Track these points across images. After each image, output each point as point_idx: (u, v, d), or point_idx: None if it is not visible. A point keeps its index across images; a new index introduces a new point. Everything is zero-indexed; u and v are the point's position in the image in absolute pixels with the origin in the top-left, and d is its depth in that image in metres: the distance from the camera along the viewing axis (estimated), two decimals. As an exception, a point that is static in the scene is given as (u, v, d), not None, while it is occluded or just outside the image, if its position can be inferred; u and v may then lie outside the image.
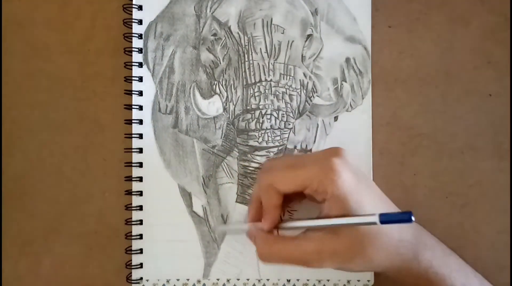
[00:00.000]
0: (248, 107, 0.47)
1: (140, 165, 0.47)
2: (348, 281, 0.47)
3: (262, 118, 0.47)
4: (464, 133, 0.48)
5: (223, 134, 0.48)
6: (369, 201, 0.39)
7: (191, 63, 0.48)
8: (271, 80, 0.47)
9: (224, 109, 0.47)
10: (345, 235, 0.38)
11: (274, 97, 0.47)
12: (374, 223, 0.35)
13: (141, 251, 0.47)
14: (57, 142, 0.48)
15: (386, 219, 0.34)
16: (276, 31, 0.47)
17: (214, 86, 0.47)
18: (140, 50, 0.48)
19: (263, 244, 0.41)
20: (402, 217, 0.34)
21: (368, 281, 0.47)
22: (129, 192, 0.47)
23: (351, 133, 0.48)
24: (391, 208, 0.42)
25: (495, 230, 0.47)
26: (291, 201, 0.45)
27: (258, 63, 0.47)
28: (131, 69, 0.47)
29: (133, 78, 0.47)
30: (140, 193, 0.47)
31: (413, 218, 0.33)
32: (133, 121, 0.47)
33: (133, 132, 0.47)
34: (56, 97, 0.48)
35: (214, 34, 0.47)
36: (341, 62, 0.48)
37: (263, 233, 0.41)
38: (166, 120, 0.48)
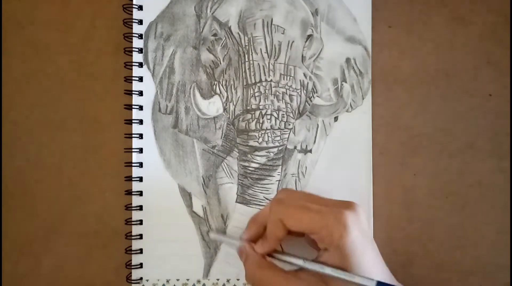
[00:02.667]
0: (248, 107, 0.47)
1: (140, 165, 0.47)
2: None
3: (262, 118, 0.47)
4: (464, 133, 0.48)
5: (223, 134, 0.48)
6: (370, 264, 0.38)
7: (191, 63, 0.48)
8: (271, 80, 0.47)
9: (224, 109, 0.47)
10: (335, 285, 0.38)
11: (274, 98, 0.47)
12: None
13: (141, 251, 0.47)
14: (57, 142, 0.48)
15: None
16: (276, 32, 0.47)
17: (214, 86, 0.47)
18: (140, 50, 0.48)
19: (254, 265, 0.41)
20: None
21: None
22: (129, 192, 0.47)
23: (351, 134, 0.48)
24: (385, 272, 0.41)
25: (495, 230, 0.47)
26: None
27: (258, 64, 0.47)
28: (131, 69, 0.47)
29: (133, 78, 0.47)
30: (140, 193, 0.47)
31: None
32: (133, 121, 0.47)
33: (133, 132, 0.47)
34: (56, 97, 0.48)
35: (215, 34, 0.47)
36: (341, 63, 0.48)
37: (256, 256, 0.41)
38: (166, 120, 0.48)
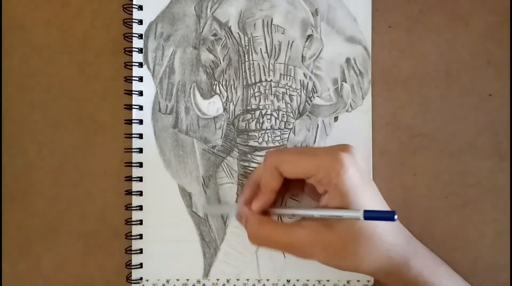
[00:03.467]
0: (248, 107, 0.47)
1: (140, 165, 0.47)
2: (348, 281, 0.47)
3: (262, 118, 0.47)
4: (464, 133, 0.48)
5: (223, 134, 0.48)
6: (369, 200, 0.39)
7: (191, 63, 0.48)
8: (271, 80, 0.47)
9: (224, 109, 0.47)
10: (339, 229, 0.38)
11: (274, 98, 0.47)
12: (358, 218, 0.36)
13: (141, 251, 0.47)
14: (57, 142, 0.48)
15: (370, 215, 0.36)
16: (276, 32, 0.47)
17: (214, 86, 0.47)
18: (140, 50, 0.48)
19: (255, 224, 0.41)
20: (386, 215, 0.35)
21: (368, 281, 0.47)
22: (129, 192, 0.47)
23: (351, 134, 0.48)
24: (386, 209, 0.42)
25: (495, 230, 0.47)
26: (289, 192, 0.46)
27: (258, 63, 0.47)
28: (131, 69, 0.47)
29: (133, 78, 0.47)
30: (140, 193, 0.47)
31: (396, 218, 0.35)
32: (133, 121, 0.47)
33: (133, 132, 0.47)
34: (56, 97, 0.48)
35: (215, 34, 0.47)
36: (341, 63, 0.48)
37: (255, 214, 0.41)
38: (166, 120, 0.48)
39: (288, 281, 0.47)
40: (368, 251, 0.38)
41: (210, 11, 0.47)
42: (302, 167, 0.39)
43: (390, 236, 0.39)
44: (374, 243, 0.38)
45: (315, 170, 0.39)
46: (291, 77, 0.47)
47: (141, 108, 0.48)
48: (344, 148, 0.40)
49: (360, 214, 0.36)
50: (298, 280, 0.47)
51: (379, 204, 0.41)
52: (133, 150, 0.47)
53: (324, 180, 0.38)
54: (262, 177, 0.41)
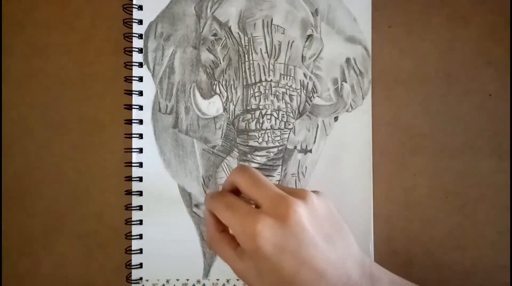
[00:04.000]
0: (248, 107, 0.47)
1: (140, 165, 0.47)
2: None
3: (262, 118, 0.47)
4: (464, 133, 0.48)
5: (223, 134, 0.48)
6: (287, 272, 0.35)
7: (191, 63, 0.48)
8: (271, 80, 0.47)
9: (224, 109, 0.47)
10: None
11: (274, 98, 0.47)
12: None
13: (141, 251, 0.47)
14: (57, 142, 0.48)
15: None
16: (276, 32, 0.47)
17: (214, 86, 0.47)
18: (140, 50, 0.48)
19: (210, 237, 0.40)
20: None
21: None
22: (129, 192, 0.47)
23: (351, 134, 0.48)
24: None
25: (495, 230, 0.47)
26: None
27: (258, 63, 0.47)
28: (131, 69, 0.47)
29: (133, 78, 0.47)
30: (140, 193, 0.47)
31: None
32: (133, 121, 0.47)
33: (133, 132, 0.47)
34: (56, 97, 0.48)
35: (215, 34, 0.47)
36: (341, 63, 0.48)
37: (211, 224, 0.40)
38: (166, 120, 0.48)
39: (288, 281, 0.47)
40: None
41: (210, 11, 0.47)
42: (224, 220, 0.38)
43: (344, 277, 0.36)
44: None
45: (232, 228, 0.38)
46: (291, 77, 0.47)
47: (141, 108, 0.48)
48: (279, 207, 0.36)
49: None
50: (298, 280, 0.47)
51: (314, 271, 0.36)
52: (133, 150, 0.47)
53: (238, 241, 0.37)
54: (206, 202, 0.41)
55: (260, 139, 0.47)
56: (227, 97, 0.47)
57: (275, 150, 0.47)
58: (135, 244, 0.47)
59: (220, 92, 0.47)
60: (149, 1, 0.48)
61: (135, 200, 0.47)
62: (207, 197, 0.41)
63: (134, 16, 0.48)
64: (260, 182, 0.38)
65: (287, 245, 0.35)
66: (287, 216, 0.35)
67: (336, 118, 0.48)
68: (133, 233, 0.47)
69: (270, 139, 0.47)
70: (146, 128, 0.47)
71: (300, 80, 0.47)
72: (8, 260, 0.48)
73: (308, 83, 0.48)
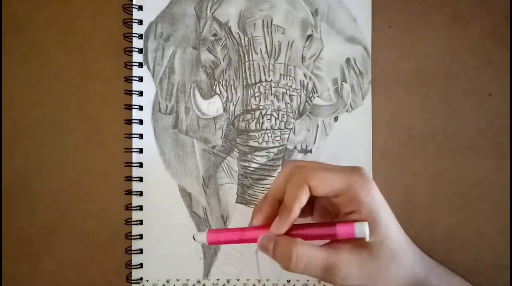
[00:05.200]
0: (248, 108, 0.47)
1: (140, 165, 0.47)
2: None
3: (262, 118, 0.47)
4: (464, 133, 0.48)
5: (223, 135, 0.48)
6: (392, 221, 0.38)
7: (191, 63, 0.48)
8: (271, 80, 0.47)
9: (224, 109, 0.47)
10: (373, 250, 0.37)
11: (274, 98, 0.47)
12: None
13: (141, 251, 0.47)
14: (57, 142, 0.48)
15: None
16: (276, 32, 0.47)
17: (214, 87, 0.47)
18: (140, 50, 0.48)
19: (290, 246, 0.37)
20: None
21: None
22: (129, 192, 0.47)
23: (351, 134, 0.48)
24: (400, 229, 0.40)
25: (495, 230, 0.47)
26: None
27: (258, 64, 0.47)
28: (131, 69, 0.47)
29: (133, 78, 0.47)
30: (140, 193, 0.47)
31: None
32: (133, 121, 0.47)
33: (133, 132, 0.47)
34: (56, 97, 0.48)
35: (214, 35, 0.47)
36: (341, 63, 0.48)
37: (284, 237, 0.38)
38: (166, 120, 0.48)
39: (288, 281, 0.47)
40: (398, 268, 0.38)
41: (210, 11, 0.47)
42: (334, 184, 0.37)
43: (411, 255, 0.39)
44: (402, 262, 0.38)
45: (347, 188, 0.37)
46: (291, 77, 0.47)
47: (141, 108, 0.48)
48: (361, 168, 0.38)
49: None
50: (298, 280, 0.47)
51: (397, 225, 0.40)
52: (133, 150, 0.47)
53: (354, 198, 0.37)
54: (289, 191, 0.38)
55: (260, 139, 0.47)
56: (227, 97, 0.47)
57: (275, 150, 0.47)
58: (135, 244, 0.47)
59: (220, 92, 0.47)
60: (149, 1, 0.48)
61: (135, 200, 0.47)
62: (299, 169, 0.39)
63: (134, 16, 0.48)
64: (329, 167, 0.39)
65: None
66: (367, 171, 0.39)
67: (336, 118, 0.48)
68: (133, 233, 0.47)
69: (270, 139, 0.47)
70: (146, 128, 0.47)
71: (300, 80, 0.47)
72: (8, 260, 0.48)
73: (308, 83, 0.48)
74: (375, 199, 0.37)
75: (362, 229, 0.36)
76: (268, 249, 0.38)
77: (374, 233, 0.37)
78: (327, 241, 0.39)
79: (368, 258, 0.37)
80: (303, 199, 0.37)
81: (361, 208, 0.37)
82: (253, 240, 0.39)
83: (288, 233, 0.38)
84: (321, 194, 0.37)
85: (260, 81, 0.47)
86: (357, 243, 0.37)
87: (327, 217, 0.41)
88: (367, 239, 0.36)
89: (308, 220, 0.42)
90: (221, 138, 0.48)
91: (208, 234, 0.39)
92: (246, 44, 0.47)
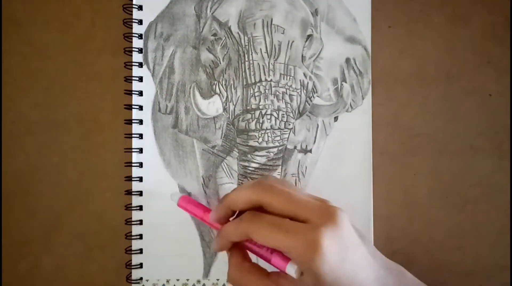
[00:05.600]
0: (248, 107, 0.47)
1: (140, 165, 0.47)
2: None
3: (262, 118, 0.47)
4: (464, 133, 0.48)
5: (223, 134, 0.48)
6: (349, 278, 0.35)
7: (191, 63, 0.48)
8: (271, 80, 0.47)
9: (224, 109, 0.47)
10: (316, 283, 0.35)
11: (274, 97, 0.47)
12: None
13: (141, 251, 0.47)
14: (57, 142, 0.48)
15: None
16: (276, 31, 0.47)
17: (214, 86, 0.47)
18: (140, 50, 0.48)
19: (237, 269, 0.38)
20: None
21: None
22: (129, 192, 0.47)
23: (351, 134, 0.48)
24: (376, 270, 0.38)
25: (495, 230, 0.47)
26: None
27: (258, 63, 0.47)
28: (131, 69, 0.47)
29: (133, 78, 0.47)
30: (140, 193, 0.47)
31: None
32: (133, 121, 0.47)
33: (133, 132, 0.47)
34: (56, 97, 0.48)
35: (214, 34, 0.47)
36: (341, 63, 0.48)
37: (237, 257, 0.39)
38: (166, 120, 0.48)
39: (288, 281, 0.47)
40: None
41: (210, 11, 0.47)
42: (274, 243, 0.35)
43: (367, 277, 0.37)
44: None
45: (288, 250, 0.35)
46: (291, 77, 0.47)
47: (141, 108, 0.48)
48: (328, 216, 0.36)
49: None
50: (298, 280, 0.47)
51: (364, 268, 0.37)
52: (133, 150, 0.47)
53: (297, 261, 0.35)
54: (232, 233, 0.38)
55: (260, 139, 0.47)
56: (227, 97, 0.47)
57: (275, 150, 0.47)
58: (135, 244, 0.47)
59: (220, 92, 0.47)
60: (149, 1, 0.48)
61: (135, 200, 0.47)
62: (227, 228, 0.39)
63: (134, 16, 0.48)
64: (295, 196, 0.37)
65: (346, 253, 0.35)
66: (339, 224, 0.35)
67: (336, 118, 0.48)
68: (133, 233, 0.47)
69: (270, 139, 0.47)
70: (146, 128, 0.47)
71: (300, 80, 0.47)
72: (8, 260, 0.48)
73: (308, 83, 0.48)
74: (320, 268, 0.34)
75: (292, 269, 0.36)
76: (218, 250, 0.42)
77: (308, 272, 0.35)
78: None
79: None
80: (238, 240, 0.38)
81: (305, 272, 0.35)
82: (212, 226, 0.42)
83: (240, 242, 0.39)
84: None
85: (260, 80, 0.47)
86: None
87: None
88: (295, 277, 0.35)
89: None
90: (221, 138, 0.48)
91: (180, 199, 0.44)
92: (246, 43, 0.47)
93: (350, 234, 0.36)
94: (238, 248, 0.40)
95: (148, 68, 0.48)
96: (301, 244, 0.34)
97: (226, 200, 0.39)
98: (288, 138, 0.47)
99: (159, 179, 0.47)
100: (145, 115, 0.48)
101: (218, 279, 0.47)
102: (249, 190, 0.38)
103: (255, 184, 0.38)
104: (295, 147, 0.48)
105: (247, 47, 0.47)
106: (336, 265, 0.34)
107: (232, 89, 0.47)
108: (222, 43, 0.47)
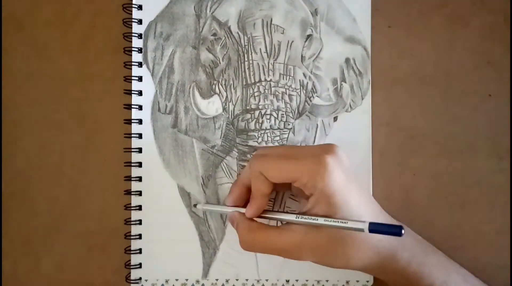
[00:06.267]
0: (247, 107, 0.47)
1: (140, 165, 0.47)
2: (347, 282, 0.47)
3: (262, 118, 0.47)
4: (464, 133, 0.48)
5: (222, 134, 0.48)
6: (356, 202, 0.39)
7: (191, 63, 0.48)
8: (270, 80, 0.47)
9: (224, 109, 0.47)
10: (327, 230, 0.38)
11: (273, 97, 0.47)
12: (362, 230, 0.36)
13: (140, 251, 0.47)
14: (57, 142, 0.48)
15: (375, 228, 0.35)
16: (276, 31, 0.47)
17: (213, 86, 0.47)
18: (139, 50, 0.48)
19: (246, 231, 0.41)
20: (392, 230, 0.35)
21: (367, 281, 0.47)
22: (129, 192, 0.47)
23: (350, 134, 0.48)
24: (377, 212, 0.42)
25: (495, 230, 0.47)
26: (289, 191, 0.46)
27: (258, 63, 0.47)
28: (131, 68, 0.47)
29: (132, 78, 0.47)
30: (140, 193, 0.47)
31: (403, 232, 0.34)
32: (132, 121, 0.47)
33: (132, 132, 0.47)
34: (56, 97, 0.48)
35: (214, 34, 0.47)
36: (340, 63, 0.48)
37: (246, 220, 0.41)
38: (166, 120, 0.48)
39: (287, 281, 0.47)
40: (356, 250, 0.39)
41: (210, 11, 0.47)
42: (285, 172, 0.39)
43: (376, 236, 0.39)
44: (362, 242, 0.39)
45: (299, 175, 0.38)
46: (290, 77, 0.47)
47: (140, 107, 0.48)
48: (328, 149, 0.40)
49: (365, 226, 0.35)
50: (297, 281, 0.47)
51: (369, 206, 0.41)
52: (132, 150, 0.47)
53: (309, 183, 0.38)
54: (252, 183, 0.41)
55: (260, 139, 0.47)
56: (227, 96, 0.47)
57: (275, 150, 0.47)
58: (135, 244, 0.47)
59: (220, 91, 0.47)
60: (149, 1, 0.48)
61: (135, 200, 0.47)
62: (255, 159, 0.41)
63: (133, 16, 0.48)
64: (289, 153, 0.41)
65: (349, 179, 0.39)
66: (339, 155, 0.39)
67: (335, 118, 0.48)
68: (132, 233, 0.47)
69: (269, 139, 0.47)
70: (146, 128, 0.48)
71: (299, 80, 0.47)
72: (8, 259, 0.48)
73: (307, 83, 0.48)
74: (330, 184, 0.38)
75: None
76: (233, 226, 0.43)
77: (319, 193, 0.38)
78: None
79: (322, 241, 0.39)
80: (265, 190, 0.40)
81: (316, 193, 0.38)
82: (233, 222, 0.43)
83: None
84: (277, 182, 0.40)
85: (260, 80, 0.47)
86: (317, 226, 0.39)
87: (303, 193, 0.41)
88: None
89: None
90: (221, 137, 0.48)
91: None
92: (246, 43, 0.47)
93: (349, 165, 0.40)
94: (243, 219, 0.42)
95: (148, 67, 0.48)
96: (310, 166, 0.38)
97: (237, 179, 0.45)
98: (287, 138, 0.47)
99: (158, 178, 0.47)
100: (145, 114, 0.48)
101: (217, 279, 0.47)
102: (249, 166, 0.42)
103: (252, 158, 0.43)
104: (294, 147, 0.48)
105: (246, 47, 0.47)
106: (343, 185, 0.38)
107: (232, 89, 0.47)
108: (221, 43, 0.47)
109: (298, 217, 0.39)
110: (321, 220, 0.38)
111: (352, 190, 0.39)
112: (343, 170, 0.39)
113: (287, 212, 0.41)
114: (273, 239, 0.39)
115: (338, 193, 0.38)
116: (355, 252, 0.39)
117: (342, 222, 0.37)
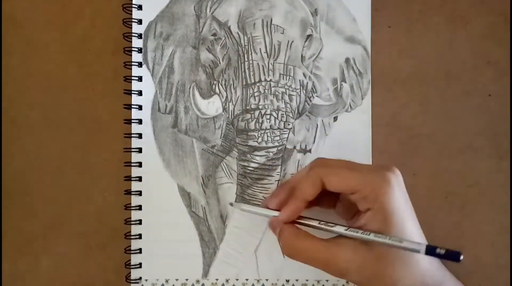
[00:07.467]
0: (247, 107, 0.47)
1: (140, 164, 0.47)
2: (348, 282, 0.47)
3: (262, 118, 0.47)
4: (464, 133, 0.48)
5: (222, 134, 0.48)
6: (411, 224, 0.38)
7: (191, 63, 0.48)
8: (270, 80, 0.47)
9: (224, 109, 0.47)
10: (379, 250, 0.37)
11: (273, 97, 0.47)
12: (418, 251, 0.34)
13: (140, 251, 0.47)
14: (57, 141, 0.48)
15: (432, 250, 0.34)
16: (276, 31, 0.47)
17: (213, 86, 0.47)
18: (139, 50, 0.48)
19: (293, 237, 0.40)
20: (450, 254, 0.33)
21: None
22: (129, 192, 0.47)
23: (350, 134, 0.48)
24: (423, 238, 0.41)
25: (495, 230, 0.47)
26: (318, 206, 0.44)
27: (258, 63, 0.47)
28: (131, 68, 0.47)
29: (132, 78, 0.47)
30: (140, 193, 0.47)
31: (461, 258, 0.33)
32: (132, 120, 0.47)
33: (132, 132, 0.47)
34: (56, 97, 0.48)
35: (214, 34, 0.47)
36: (340, 63, 0.48)
37: (292, 226, 0.41)
38: (166, 120, 0.48)
39: (287, 281, 0.47)
40: (404, 275, 0.37)
41: (210, 11, 0.47)
42: (348, 181, 0.39)
43: (426, 262, 0.38)
44: (411, 268, 0.37)
45: (362, 187, 0.38)
46: (290, 77, 0.47)
47: (140, 107, 0.48)
48: (389, 167, 0.39)
49: (422, 248, 0.34)
50: (297, 280, 0.47)
51: (419, 230, 0.40)
52: (132, 150, 0.47)
53: (369, 197, 0.37)
54: (301, 183, 0.40)
55: (260, 139, 0.47)
56: (227, 96, 0.47)
57: (275, 150, 0.47)
58: (135, 244, 0.47)
59: (220, 92, 0.47)
60: (149, 1, 0.48)
61: (135, 200, 0.47)
62: (300, 184, 0.40)
63: (133, 16, 0.48)
64: (352, 166, 0.40)
65: (407, 200, 0.39)
66: (399, 175, 0.39)
67: (335, 118, 0.48)
68: (132, 233, 0.47)
69: (269, 139, 0.47)
70: (146, 128, 0.48)
71: (299, 80, 0.47)
72: (8, 259, 0.48)
73: (307, 83, 0.48)
74: (391, 201, 0.37)
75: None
76: (275, 233, 0.42)
77: (378, 208, 0.37)
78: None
79: (371, 260, 0.37)
80: (312, 193, 0.39)
81: (375, 208, 0.37)
82: (272, 226, 0.43)
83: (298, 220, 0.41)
84: (335, 190, 0.39)
85: (260, 80, 0.47)
86: (363, 241, 0.37)
87: (349, 212, 0.41)
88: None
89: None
90: (221, 137, 0.48)
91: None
92: (246, 43, 0.47)
93: (405, 187, 0.40)
94: (288, 225, 0.41)
95: (148, 67, 0.48)
96: (374, 180, 0.38)
97: (288, 181, 0.45)
98: (287, 138, 0.47)
99: (158, 178, 0.47)
100: (145, 114, 0.48)
101: (217, 279, 0.47)
102: (309, 168, 0.41)
103: (313, 164, 0.41)
104: (294, 147, 0.48)
105: (246, 47, 0.47)
106: (403, 204, 0.38)
107: (232, 89, 0.47)
108: (221, 43, 0.47)
109: (349, 230, 0.38)
110: (375, 237, 0.36)
111: (409, 212, 0.39)
112: (403, 192, 0.39)
113: (336, 224, 0.39)
114: (320, 250, 0.38)
115: (397, 212, 0.37)
116: (402, 277, 0.37)
117: (397, 241, 0.35)
